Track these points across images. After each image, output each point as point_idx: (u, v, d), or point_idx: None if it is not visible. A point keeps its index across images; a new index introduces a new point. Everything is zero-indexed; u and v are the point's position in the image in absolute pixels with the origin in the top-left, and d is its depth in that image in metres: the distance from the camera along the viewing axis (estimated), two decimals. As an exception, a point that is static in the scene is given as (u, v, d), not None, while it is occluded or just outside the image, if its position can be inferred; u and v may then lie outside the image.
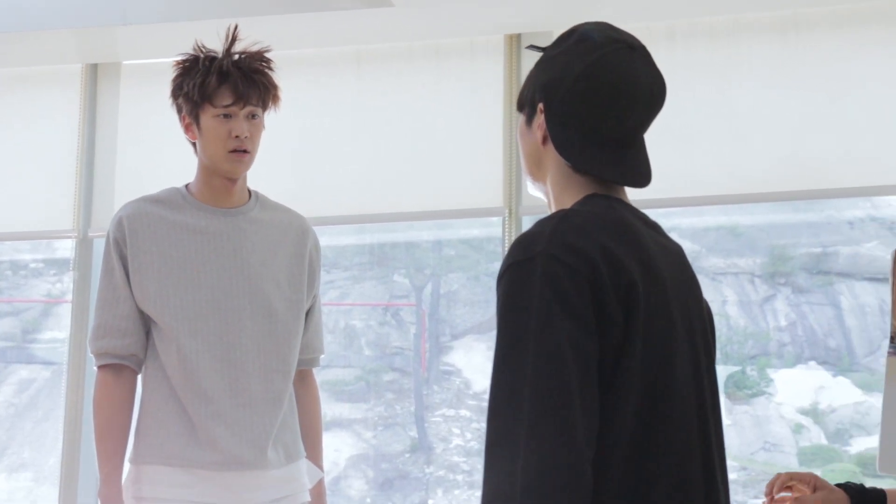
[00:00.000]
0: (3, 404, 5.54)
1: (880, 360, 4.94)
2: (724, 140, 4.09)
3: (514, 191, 4.28)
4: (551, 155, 1.70)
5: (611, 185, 1.69)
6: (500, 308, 1.54)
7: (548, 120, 1.68)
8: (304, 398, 2.75)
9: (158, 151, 4.63)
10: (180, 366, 2.52)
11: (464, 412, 5.55)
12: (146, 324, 2.59)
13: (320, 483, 2.76)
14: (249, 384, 2.54)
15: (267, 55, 2.64)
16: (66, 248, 5.31)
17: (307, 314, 2.73)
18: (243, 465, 2.51)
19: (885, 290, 4.85)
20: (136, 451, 2.56)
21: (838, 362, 4.88)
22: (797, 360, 5.05)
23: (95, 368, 2.60)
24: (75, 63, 4.79)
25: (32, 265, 5.64)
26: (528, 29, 4.30)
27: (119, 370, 2.57)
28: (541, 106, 1.69)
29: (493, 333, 1.51)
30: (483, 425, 5.56)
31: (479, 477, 5.36)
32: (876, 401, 4.88)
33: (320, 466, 2.77)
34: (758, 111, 4.10)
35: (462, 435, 5.51)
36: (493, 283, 5.63)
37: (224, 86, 2.56)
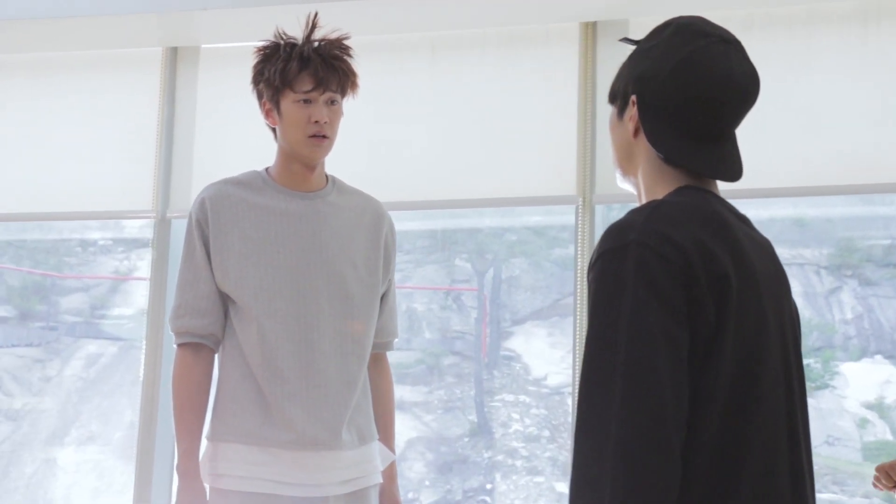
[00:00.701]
0: (72, 378, 5.64)
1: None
2: (793, 131, 4.06)
3: (587, 179, 4.27)
4: (643, 147, 1.70)
5: (703, 179, 1.69)
6: (592, 295, 1.55)
7: (641, 112, 1.68)
8: (377, 381, 2.78)
9: (235, 134, 4.69)
10: (258, 345, 2.55)
11: (523, 398, 5.56)
12: (225, 304, 2.63)
13: (392, 465, 2.78)
14: (325, 366, 2.58)
15: (346, 42, 2.66)
16: (133, 227, 5.39)
17: (382, 298, 2.76)
18: (318, 446, 2.54)
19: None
20: (213, 429, 2.60)
21: (908, 353, 4.83)
22: (863, 353, 5.00)
23: (175, 346, 2.64)
24: (155, 46, 4.86)
25: (101, 242, 5.72)
26: (604, 17, 4.30)
27: (198, 349, 2.61)
28: (633, 98, 1.69)
29: (554, 320, 1.52)
30: (541, 411, 5.57)
31: (537, 463, 5.36)
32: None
33: (392, 449, 2.79)
34: (828, 103, 4.06)
35: (521, 420, 5.52)
36: (554, 270, 5.63)
37: (305, 72, 2.59)
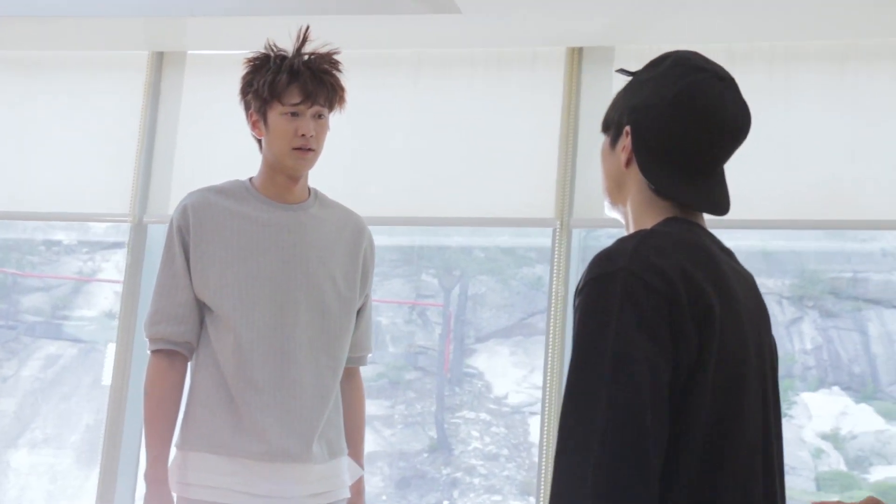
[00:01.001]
0: (28, 379, 5.59)
1: (904, 390, 4.96)
2: (766, 164, 4.11)
3: (566, 203, 4.31)
4: (634, 177, 1.72)
5: (690, 211, 1.72)
6: (578, 320, 1.58)
7: (634, 143, 1.70)
8: (349, 396, 2.77)
9: (217, 141, 4.69)
10: (234, 355, 2.55)
11: (483, 415, 5.57)
12: (201, 312, 2.62)
13: (360, 480, 2.78)
14: (300, 377, 2.57)
15: (335, 57, 2.68)
16: (98, 229, 5.35)
17: (358, 313, 2.76)
18: (288, 458, 2.54)
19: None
20: (183, 438, 2.59)
21: (862, 389, 4.88)
22: (821, 384, 5.06)
23: (149, 352, 2.63)
24: (142, 50, 4.85)
25: (66, 243, 5.68)
26: (590, 43, 4.34)
27: (172, 356, 2.60)
28: (627, 129, 1.72)
29: (517, 339, 1.54)
30: (501, 429, 5.58)
31: (495, 481, 5.38)
32: (897, 430, 4.89)
33: (361, 464, 2.79)
34: (802, 137, 4.12)
35: (481, 438, 5.53)
36: (521, 289, 5.65)
37: (293, 84, 2.60)
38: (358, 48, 4.41)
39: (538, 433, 5.28)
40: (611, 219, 4.39)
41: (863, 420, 4.88)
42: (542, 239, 4.79)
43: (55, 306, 5.74)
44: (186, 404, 2.61)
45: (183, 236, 2.61)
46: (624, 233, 1.75)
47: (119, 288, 4.86)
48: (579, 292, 1.60)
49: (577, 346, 1.56)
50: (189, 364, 2.65)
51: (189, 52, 4.83)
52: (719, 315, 1.58)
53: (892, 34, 4.05)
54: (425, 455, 5.53)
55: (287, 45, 2.67)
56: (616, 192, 1.77)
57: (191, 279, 2.60)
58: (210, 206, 2.63)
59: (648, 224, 1.70)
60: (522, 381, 5.55)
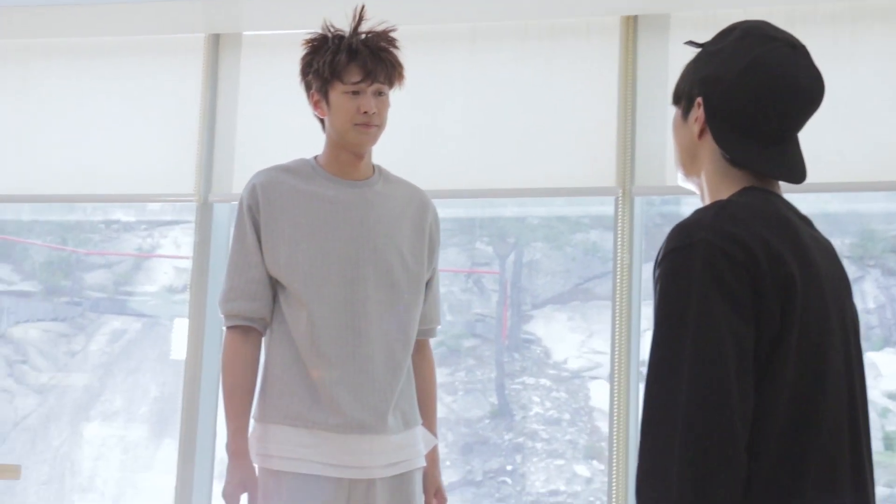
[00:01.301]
0: (96, 353, 5.69)
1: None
2: (828, 127, 4.07)
3: (627, 171, 4.31)
4: (707, 148, 1.72)
5: (767, 180, 1.72)
6: (659, 291, 1.59)
7: (707, 114, 1.70)
8: (420, 367, 2.82)
9: (276, 120, 4.73)
10: (307, 331, 2.60)
11: (543, 381, 5.59)
12: (274, 288, 2.67)
13: (434, 449, 2.83)
14: (371, 352, 2.62)
15: (392, 35, 2.70)
16: (154, 207, 5.43)
17: (426, 286, 2.79)
18: (364, 429, 2.59)
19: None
20: (260, 410, 2.64)
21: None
22: (885, 343, 5.03)
23: (224, 329, 2.69)
24: (198, 33, 4.89)
25: (124, 219, 5.76)
26: (645, 11, 4.32)
27: (247, 332, 2.65)
28: (699, 100, 1.71)
29: (574, 304, 1.55)
30: (562, 394, 5.60)
31: (557, 445, 5.40)
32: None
33: (434, 434, 2.84)
34: (866, 98, 4.07)
35: (541, 403, 5.55)
36: (576, 254, 5.65)
37: (353, 63, 2.63)
38: (413, 24, 4.42)
39: (600, 398, 5.30)
40: (672, 186, 4.40)
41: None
42: (597, 206, 4.80)
43: (117, 282, 5.83)
44: (263, 378, 2.67)
45: (253, 215, 2.66)
46: (696, 202, 1.76)
47: (179, 263, 4.94)
48: (659, 264, 1.61)
49: (659, 318, 1.57)
50: (263, 339, 2.70)
51: (245, 33, 4.86)
52: (800, 283, 1.58)
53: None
54: (487, 421, 5.56)
55: (343, 25, 2.69)
56: (690, 164, 1.77)
57: (262, 256, 2.64)
58: (278, 184, 2.67)
59: (724, 194, 1.70)
60: (581, 346, 5.56)
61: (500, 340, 5.70)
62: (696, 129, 1.73)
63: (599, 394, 5.38)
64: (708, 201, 1.74)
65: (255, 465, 2.61)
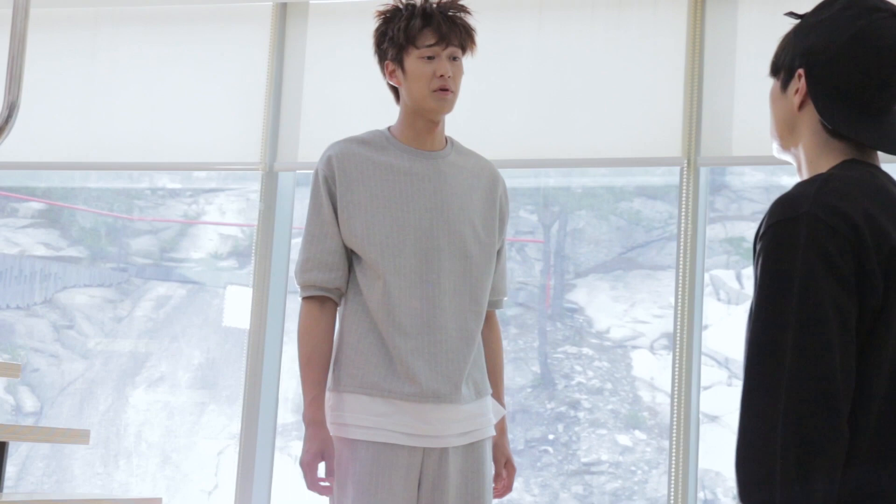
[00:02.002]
0: (142, 319, 5.73)
1: None
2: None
3: (693, 141, 4.32)
4: (807, 120, 1.72)
5: (867, 152, 1.72)
6: (762, 264, 1.59)
7: (810, 85, 1.70)
8: (488, 338, 2.85)
9: (343, 90, 4.73)
10: (382, 301, 2.62)
11: (586, 350, 5.59)
12: (350, 259, 2.69)
13: (503, 420, 2.86)
14: (445, 322, 2.64)
15: (462, 1, 2.70)
16: (200, 175, 5.45)
17: (496, 257, 2.81)
18: (439, 399, 2.61)
19: None
20: (336, 380, 2.67)
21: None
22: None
23: (300, 299, 2.71)
24: (266, 1, 4.90)
25: (170, 186, 5.79)
26: (713, -19, 4.32)
27: (323, 302, 2.68)
28: (800, 71, 1.71)
29: (617, 273, 1.56)
30: (604, 363, 5.61)
31: (599, 415, 5.42)
32: None
33: (503, 404, 2.86)
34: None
35: (584, 373, 5.56)
36: (620, 223, 5.65)
37: (427, 28, 2.65)
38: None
39: (642, 367, 5.30)
40: (738, 156, 4.38)
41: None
42: (642, 177, 4.78)
43: (163, 248, 5.86)
44: (337, 348, 2.69)
45: (329, 186, 2.68)
46: (789, 173, 1.75)
47: (224, 230, 4.96)
48: (761, 237, 1.61)
49: (761, 290, 1.58)
50: (339, 309, 2.72)
51: (312, 1, 4.86)
52: None
53: None
54: (529, 390, 5.57)
55: None
56: (788, 136, 1.77)
57: (339, 227, 2.66)
58: (353, 155, 2.68)
59: (824, 167, 1.71)
60: (623, 315, 5.56)
61: (544, 309, 5.71)
62: (796, 100, 1.73)
63: (641, 363, 5.38)
64: (806, 174, 1.74)
65: (332, 434, 2.64)
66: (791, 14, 1.80)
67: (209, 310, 5.60)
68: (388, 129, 2.77)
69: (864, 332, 1.57)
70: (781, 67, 1.77)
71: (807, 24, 1.75)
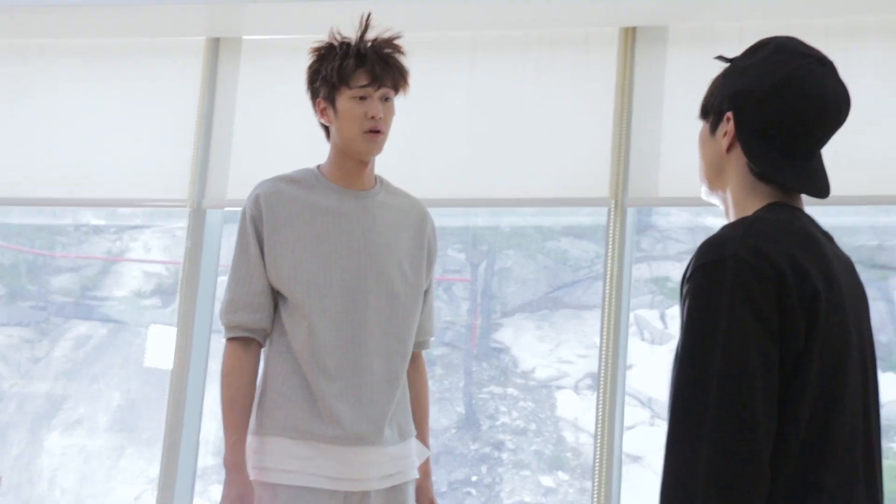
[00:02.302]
0: (60, 359, 5.61)
1: (931, 359, 4.98)
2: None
3: (620, 182, 4.34)
4: (734, 163, 1.74)
5: (791, 195, 1.74)
6: (689, 306, 1.60)
7: (738, 128, 1.72)
8: (414, 379, 2.81)
9: (274, 126, 4.71)
10: (307, 342, 2.59)
11: (511, 390, 5.60)
12: (275, 299, 2.65)
13: (427, 461, 2.83)
14: (370, 364, 2.61)
15: (398, 42, 2.70)
16: (125, 211, 5.37)
17: (423, 297, 2.79)
18: (362, 442, 2.58)
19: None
20: (259, 423, 2.62)
21: (889, 357, 4.92)
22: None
23: (224, 340, 2.67)
24: (199, 36, 4.86)
25: (94, 223, 5.69)
26: (644, 23, 4.36)
27: (247, 343, 2.63)
28: (729, 114, 1.73)
29: (543, 312, 1.57)
30: (529, 404, 5.61)
31: (523, 456, 5.41)
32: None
33: (427, 445, 2.84)
34: (855, 115, 4.13)
35: (509, 413, 5.56)
36: (548, 262, 5.68)
37: (361, 69, 2.64)
38: (415, 31, 4.42)
39: (566, 408, 5.31)
40: (664, 197, 4.43)
41: (890, 389, 4.92)
42: (567, 217, 4.83)
43: (84, 286, 5.76)
44: (261, 390, 2.65)
45: (256, 225, 2.65)
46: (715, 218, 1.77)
47: (148, 268, 4.90)
48: (688, 279, 1.63)
49: (687, 334, 1.59)
50: (263, 350, 2.68)
51: (245, 37, 4.84)
52: (824, 300, 1.61)
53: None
54: (453, 431, 5.56)
55: (346, 31, 2.69)
56: (715, 178, 1.79)
57: (265, 267, 2.63)
58: (281, 194, 2.66)
59: (750, 209, 1.72)
60: (549, 355, 5.58)
61: (470, 349, 5.71)
62: (724, 143, 1.75)
63: (565, 403, 5.39)
64: (733, 215, 1.76)
65: (252, 479, 2.59)
66: (721, 58, 1.82)
67: (131, 350, 5.51)
68: (318, 167, 2.75)
69: (787, 374, 1.58)
70: (710, 110, 1.79)
71: (736, 68, 1.77)
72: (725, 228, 1.66)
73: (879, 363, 1.80)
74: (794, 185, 1.72)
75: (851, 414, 1.64)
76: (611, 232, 4.36)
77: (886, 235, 4.93)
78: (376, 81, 2.63)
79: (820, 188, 1.73)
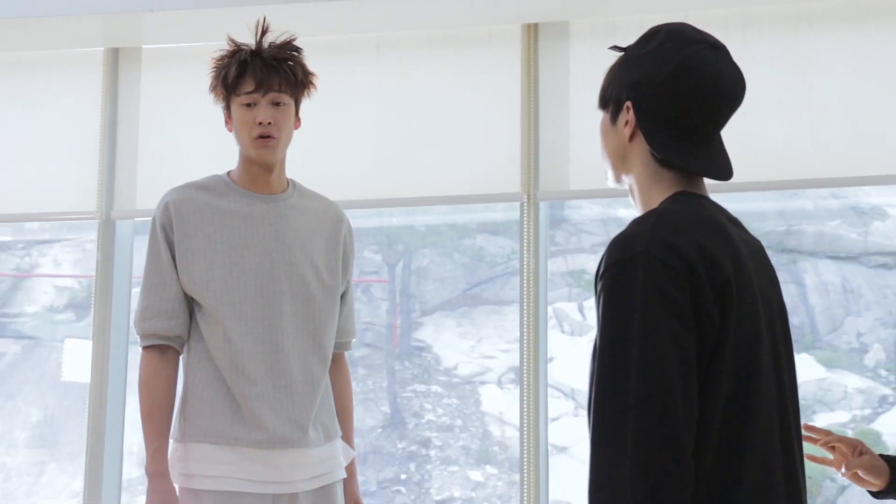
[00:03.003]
0: (-27, 378, 5.50)
1: (842, 338, 5.10)
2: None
3: (531, 176, 4.38)
4: (637, 151, 1.76)
5: (695, 182, 1.76)
6: (603, 304, 1.62)
7: (638, 116, 1.74)
8: (337, 380, 2.82)
9: (179, 134, 4.67)
10: (225, 348, 2.58)
11: (435, 388, 5.61)
12: (190, 305, 2.65)
13: (353, 461, 2.84)
14: (289, 367, 2.62)
15: (294, 43, 2.70)
16: (33, 226, 5.29)
17: (341, 299, 2.80)
18: (287, 444, 2.58)
19: (848, 268, 5.02)
20: (181, 430, 2.61)
21: (802, 339, 5.03)
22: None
23: (141, 349, 2.65)
24: (97, 47, 4.80)
25: (1, 239, 5.59)
26: (545, 19, 4.39)
27: (164, 351, 2.62)
28: (628, 104, 1.75)
29: (462, 310, 1.58)
30: (453, 400, 5.64)
31: (450, 452, 5.43)
32: (838, 377, 5.05)
33: (352, 446, 2.84)
34: (752, 102, 4.23)
35: (434, 410, 5.58)
36: (464, 260, 5.71)
37: (244, 75, 2.64)
38: (319, 35, 4.41)
39: (490, 403, 5.35)
40: (576, 190, 4.48)
41: (805, 370, 5.03)
42: (482, 213, 4.86)
43: (-6, 303, 5.65)
44: (182, 397, 2.64)
45: (167, 233, 2.63)
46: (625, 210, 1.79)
47: (59, 282, 4.83)
48: (601, 277, 1.64)
49: (604, 331, 1.60)
50: (181, 357, 2.66)
51: (144, 46, 4.79)
52: (735, 287, 1.63)
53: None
54: (380, 430, 5.56)
55: (248, 39, 2.69)
56: (620, 167, 1.80)
57: (177, 274, 2.62)
58: (191, 201, 2.65)
59: (656, 196, 1.74)
60: (470, 351, 5.61)
61: (392, 348, 5.71)
62: (626, 132, 1.76)
63: (490, 398, 5.43)
64: (639, 203, 1.78)
65: (177, 486, 2.58)
66: (615, 47, 1.84)
67: (47, 365, 5.42)
68: (228, 173, 2.75)
69: (704, 364, 1.60)
70: (610, 100, 1.80)
71: (631, 57, 1.78)
72: (633, 224, 1.67)
73: (795, 345, 1.82)
74: (697, 169, 1.74)
75: (767, 401, 1.66)
76: (525, 227, 4.40)
77: (794, 220, 5.04)
78: (262, 87, 2.63)
79: (723, 171, 1.76)
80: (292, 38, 2.71)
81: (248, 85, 2.63)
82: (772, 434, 1.66)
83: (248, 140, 2.64)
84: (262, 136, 2.63)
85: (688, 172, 1.75)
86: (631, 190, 1.80)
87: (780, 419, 1.69)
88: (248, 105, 2.63)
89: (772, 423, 1.67)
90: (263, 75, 2.63)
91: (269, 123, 2.63)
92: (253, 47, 2.67)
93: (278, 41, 2.69)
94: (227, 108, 2.68)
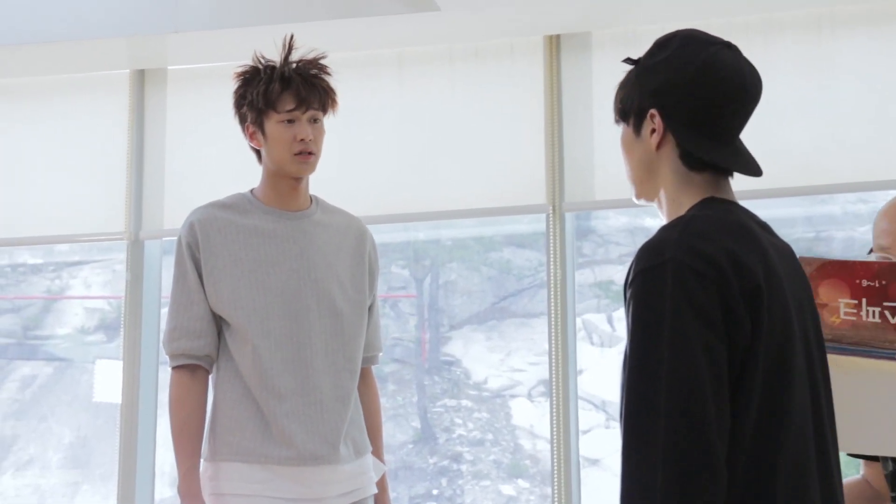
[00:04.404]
0: (6, 401, 5.54)
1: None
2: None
3: (556, 188, 4.39)
4: (665, 159, 1.75)
5: (724, 187, 1.75)
6: (633, 312, 1.61)
7: (666, 121, 1.73)
8: (365, 395, 2.81)
9: (205, 153, 4.72)
10: (253, 365, 2.58)
11: (465, 402, 5.61)
12: (218, 325, 2.65)
13: (384, 476, 2.83)
14: (319, 382, 2.62)
15: (323, 61, 2.71)
16: (62, 248, 5.34)
17: (368, 313, 2.80)
18: (317, 461, 2.58)
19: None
20: (211, 449, 2.62)
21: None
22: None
23: (171, 369, 2.65)
24: (123, 69, 4.86)
25: (31, 262, 5.64)
26: (567, 30, 4.41)
27: (194, 370, 2.63)
28: (653, 111, 1.74)
29: (491, 323, 1.57)
30: (483, 414, 5.63)
31: (481, 466, 5.42)
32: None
33: (382, 460, 2.84)
34: (773, 108, 4.21)
35: (464, 425, 5.57)
36: (492, 273, 5.71)
37: (286, 92, 2.64)
38: (340, 51, 4.44)
39: (521, 416, 5.33)
40: (601, 200, 4.48)
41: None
42: (509, 225, 4.86)
43: (26, 326, 5.69)
44: (212, 416, 2.64)
45: (193, 252, 2.64)
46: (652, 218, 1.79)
47: (90, 304, 4.86)
48: (630, 285, 1.63)
49: (633, 339, 1.60)
50: (210, 376, 2.67)
51: (170, 67, 4.85)
52: (766, 293, 1.62)
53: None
54: (410, 446, 5.55)
55: (272, 56, 2.70)
56: (647, 178, 1.78)
57: (205, 293, 2.63)
58: (216, 220, 2.66)
59: (685, 203, 1.73)
60: (500, 364, 5.60)
61: (421, 363, 5.71)
62: (654, 141, 1.75)
63: (520, 412, 5.41)
64: (667, 213, 1.76)
65: (208, 505, 2.58)
66: (627, 60, 1.83)
67: (78, 386, 5.45)
68: (251, 191, 2.75)
69: (735, 370, 1.59)
70: (630, 112, 1.78)
71: (647, 67, 1.77)
72: (662, 231, 1.66)
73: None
74: (731, 166, 1.74)
75: (800, 405, 1.65)
76: (551, 238, 4.40)
77: (822, 226, 5.01)
78: (303, 104, 2.64)
79: (754, 168, 1.75)
80: (321, 55, 2.72)
81: (290, 102, 2.63)
82: (806, 439, 1.65)
83: (288, 156, 2.65)
84: (303, 153, 2.64)
85: (716, 178, 1.74)
86: (658, 201, 1.79)
87: (814, 424, 1.68)
88: (289, 122, 2.64)
89: (806, 428, 1.65)
90: (305, 93, 2.64)
91: (310, 140, 2.65)
92: (279, 63, 2.67)
93: (308, 58, 2.70)
94: (256, 123, 2.67)
